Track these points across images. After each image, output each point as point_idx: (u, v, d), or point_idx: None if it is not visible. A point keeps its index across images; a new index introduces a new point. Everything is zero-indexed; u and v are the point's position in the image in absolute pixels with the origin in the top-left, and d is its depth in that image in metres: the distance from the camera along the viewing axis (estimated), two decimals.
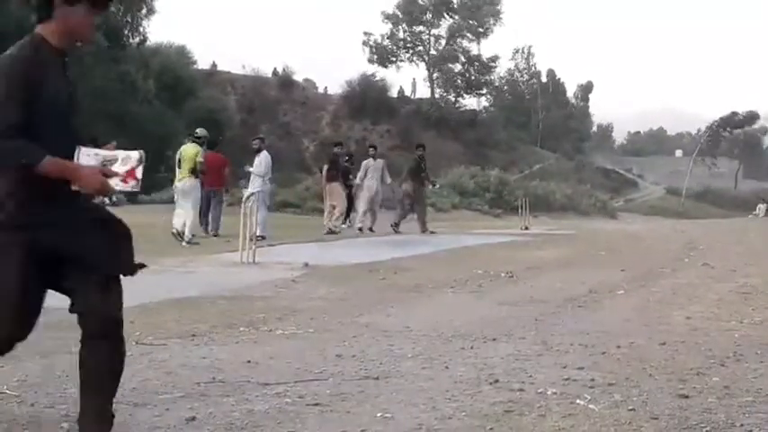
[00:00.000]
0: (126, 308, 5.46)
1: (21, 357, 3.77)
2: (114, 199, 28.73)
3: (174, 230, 11.29)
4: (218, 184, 13.50)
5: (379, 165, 15.44)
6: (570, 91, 79.35)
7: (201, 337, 4.33)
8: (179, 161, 11.89)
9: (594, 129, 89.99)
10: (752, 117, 71.33)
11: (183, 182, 11.69)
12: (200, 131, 12.69)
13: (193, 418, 2.80)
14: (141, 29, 37.71)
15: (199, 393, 3.14)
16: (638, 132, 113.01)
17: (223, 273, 7.83)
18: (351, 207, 17.69)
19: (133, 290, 6.70)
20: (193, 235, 11.30)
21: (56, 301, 5.83)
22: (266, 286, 6.67)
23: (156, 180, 24.28)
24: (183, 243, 10.94)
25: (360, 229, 14.64)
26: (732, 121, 70.50)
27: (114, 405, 2.97)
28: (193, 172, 11.66)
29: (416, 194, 14.99)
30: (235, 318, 5.00)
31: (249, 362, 3.72)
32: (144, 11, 37.06)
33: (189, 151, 11.85)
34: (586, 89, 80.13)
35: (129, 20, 36.72)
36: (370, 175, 15.17)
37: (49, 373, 3.44)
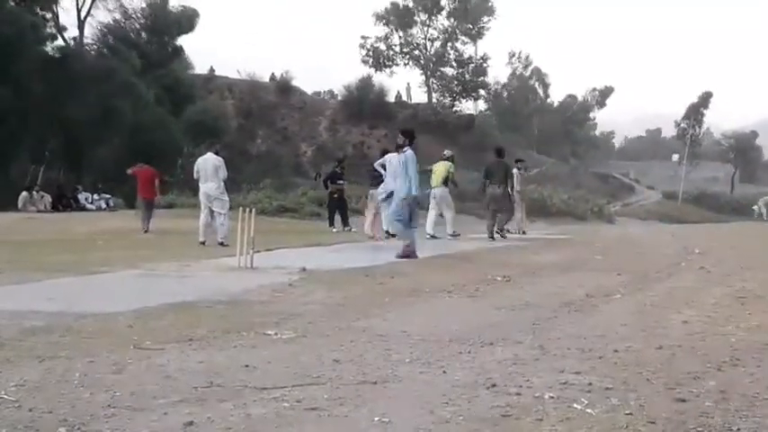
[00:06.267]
0: (124, 312, 5.51)
1: (18, 362, 3.78)
2: (111, 204, 28.79)
3: (431, 233, 15.04)
4: (150, 194, 17.35)
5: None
6: (555, 92, 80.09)
7: (199, 342, 4.33)
8: (431, 173, 15.39)
9: (597, 133, 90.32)
10: (706, 97, 72.68)
11: (435, 190, 15.28)
12: (446, 152, 15.97)
13: (191, 423, 2.80)
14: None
15: (196, 398, 3.14)
16: (635, 136, 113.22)
17: (220, 277, 7.82)
18: (345, 211, 18.01)
19: (131, 294, 6.75)
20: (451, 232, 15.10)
21: (52, 306, 5.85)
22: (264, 291, 6.66)
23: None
24: (448, 237, 14.94)
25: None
26: (694, 113, 71.70)
27: (112, 410, 2.98)
28: (445, 182, 15.26)
29: (504, 200, 15.26)
30: (232, 322, 5.00)
31: (247, 366, 3.72)
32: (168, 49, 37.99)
33: (439, 167, 15.40)
34: (604, 94, 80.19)
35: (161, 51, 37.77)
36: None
37: (47, 378, 3.44)
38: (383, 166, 14.56)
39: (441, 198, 15.37)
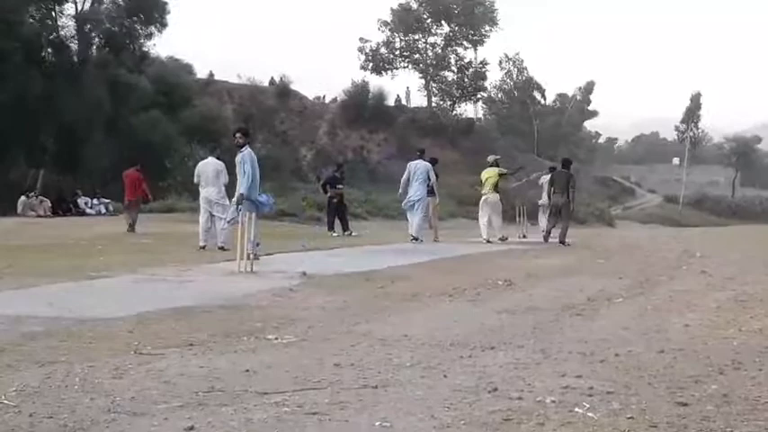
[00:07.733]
0: (124, 317, 5.50)
1: (18, 367, 3.77)
2: (111, 209, 28.76)
3: (487, 238, 15.54)
4: (134, 195, 18.13)
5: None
6: (552, 97, 79.88)
7: (199, 347, 4.32)
8: (483, 181, 16.05)
9: (601, 141, 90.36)
10: (697, 98, 72.83)
11: (489, 196, 15.82)
12: (490, 158, 16.52)
13: (192, 428, 2.79)
14: (147, 44, 37.94)
15: (197, 403, 3.14)
16: (636, 140, 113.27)
17: (221, 282, 7.82)
18: (344, 215, 18.21)
19: (131, 299, 6.74)
20: (500, 236, 15.71)
21: (52, 311, 5.84)
22: (264, 295, 6.66)
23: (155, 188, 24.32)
24: (496, 240, 15.49)
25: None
26: (692, 116, 71.89)
27: (113, 415, 2.98)
28: (495, 188, 15.82)
29: (565, 207, 15.70)
30: (232, 327, 5.00)
31: (247, 371, 3.71)
32: (155, 26, 37.30)
33: (489, 173, 16.03)
34: (587, 90, 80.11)
35: (145, 34, 37.10)
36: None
37: (47, 383, 3.43)
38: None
39: (492, 204, 15.86)
